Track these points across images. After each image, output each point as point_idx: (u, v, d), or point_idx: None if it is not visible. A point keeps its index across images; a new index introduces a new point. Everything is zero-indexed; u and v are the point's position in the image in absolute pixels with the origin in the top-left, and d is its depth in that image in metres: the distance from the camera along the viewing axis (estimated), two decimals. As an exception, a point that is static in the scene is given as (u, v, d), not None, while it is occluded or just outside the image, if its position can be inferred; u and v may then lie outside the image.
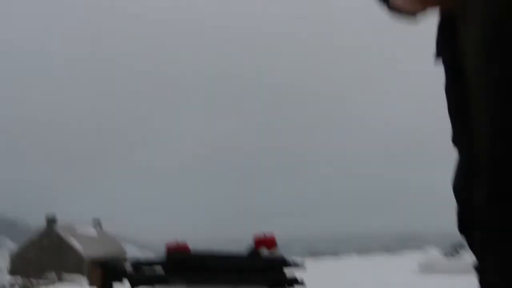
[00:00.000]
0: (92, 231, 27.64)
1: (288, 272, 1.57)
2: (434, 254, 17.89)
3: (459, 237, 0.69)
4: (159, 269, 1.39)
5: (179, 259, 1.32)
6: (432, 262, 14.29)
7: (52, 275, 19.86)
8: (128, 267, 1.34)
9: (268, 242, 1.89)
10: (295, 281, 1.43)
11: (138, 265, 1.30)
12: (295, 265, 1.64)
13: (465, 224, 0.68)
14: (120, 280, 1.31)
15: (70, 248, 24.06)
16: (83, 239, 25.39)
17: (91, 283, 1.28)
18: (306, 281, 1.51)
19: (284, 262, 1.56)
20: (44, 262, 23.57)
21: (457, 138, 0.71)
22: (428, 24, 0.74)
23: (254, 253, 1.91)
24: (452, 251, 14.46)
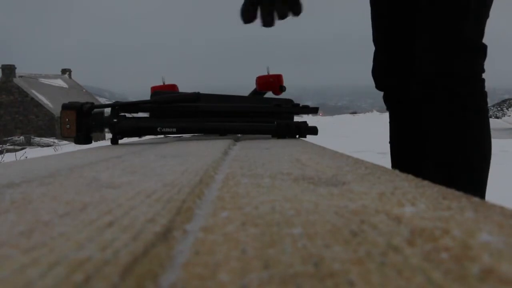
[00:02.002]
0: (61, 83, 27.77)
1: (299, 118, 1.53)
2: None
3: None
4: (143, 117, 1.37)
5: (168, 99, 1.27)
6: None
7: (19, 138, 20.46)
8: (109, 113, 1.30)
9: (274, 83, 1.90)
10: (307, 129, 1.35)
11: (120, 107, 1.27)
12: (307, 110, 1.59)
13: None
14: (99, 128, 1.28)
15: (36, 104, 24.32)
16: (50, 92, 25.49)
17: (63, 134, 1.28)
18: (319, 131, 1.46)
19: (294, 106, 1.50)
20: (6, 122, 24.08)
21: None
22: None
23: (257, 96, 1.92)
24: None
